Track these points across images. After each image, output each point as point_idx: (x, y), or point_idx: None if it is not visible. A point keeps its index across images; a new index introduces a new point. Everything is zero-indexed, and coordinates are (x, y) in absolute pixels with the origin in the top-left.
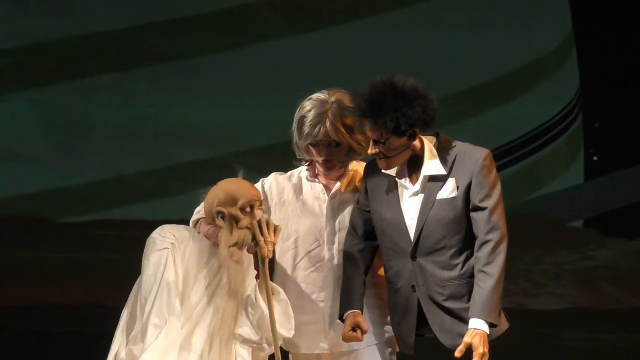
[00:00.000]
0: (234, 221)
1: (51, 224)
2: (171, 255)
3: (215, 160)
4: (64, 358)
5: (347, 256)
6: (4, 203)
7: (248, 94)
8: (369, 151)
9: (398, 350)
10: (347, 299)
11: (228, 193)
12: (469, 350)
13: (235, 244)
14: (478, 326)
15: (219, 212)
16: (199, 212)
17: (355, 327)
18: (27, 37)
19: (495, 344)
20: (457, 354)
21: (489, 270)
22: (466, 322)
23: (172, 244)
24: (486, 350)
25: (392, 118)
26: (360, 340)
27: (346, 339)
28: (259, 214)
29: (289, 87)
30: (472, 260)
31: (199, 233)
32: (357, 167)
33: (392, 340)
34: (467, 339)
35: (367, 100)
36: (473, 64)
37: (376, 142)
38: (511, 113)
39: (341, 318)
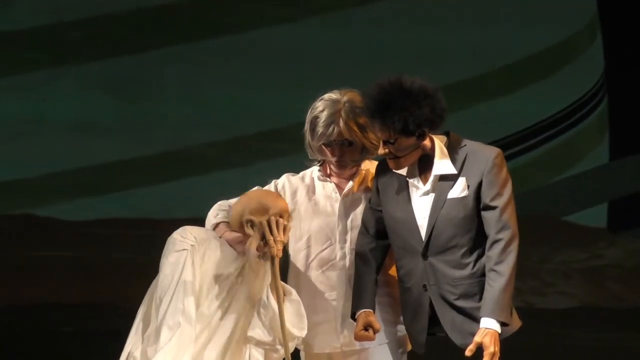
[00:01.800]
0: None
1: (59, 222)
2: (190, 256)
3: (275, 132)
4: (73, 357)
5: (359, 255)
6: (75, 174)
7: (312, 69)
8: (379, 151)
9: (410, 349)
10: (359, 298)
11: (260, 202)
12: (480, 349)
13: (257, 249)
14: (489, 325)
15: (248, 221)
16: (217, 215)
17: (367, 326)
18: (95, 9)
19: (504, 342)
20: (468, 352)
21: (500, 269)
22: (477, 321)
23: (191, 245)
24: (497, 349)
25: (400, 118)
26: (371, 339)
27: (358, 338)
28: (282, 220)
29: (349, 62)
30: (483, 259)
31: (220, 237)
32: (369, 166)
33: (404, 339)
34: (477, 338)
35: (375, 100)
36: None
37: (385, 142)
38: (542, 94)
39: (353, 317)
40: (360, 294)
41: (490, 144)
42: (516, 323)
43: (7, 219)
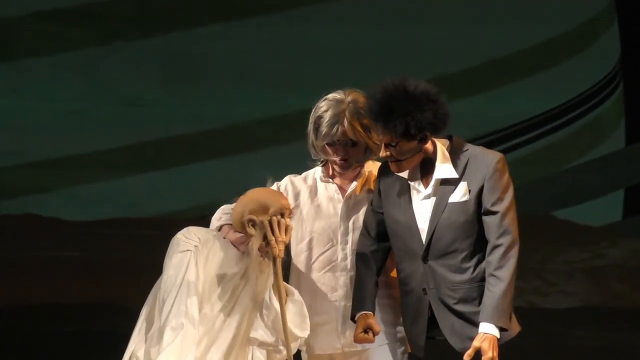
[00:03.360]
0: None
1: (60, 222)
2: (193, 257)
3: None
4: (74, 357)
5: (360, 257)
6: (124, 150)
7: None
8: (380, 154)
9: (410, 351)
10: (359, 300)
11: (260, 202)
12: (478, 354)
13: (259, 249)
14: (488, 330)
15: (250, 220)
16: (220, 218)
17: (367, 329)
18: None
19: (506, 342)
20: (466, 357)
21: (500, 274)
22: (476, 325)
23: (195, 246)
24: (495, 354)
25: (402, 122)
26: (371, 341)
27: (357, 340)
28: (283, 220)
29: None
30: (483, 264)
31: (224, 238)
32: (372, 167)
33: (404, 340)
34: (476, 343)
35: (379, 103)
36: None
37: (387, 145)
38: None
39: (353, 319)
40: (360, 296)
41: (502, 130)
42: (515, 328)
43: (8, 219)
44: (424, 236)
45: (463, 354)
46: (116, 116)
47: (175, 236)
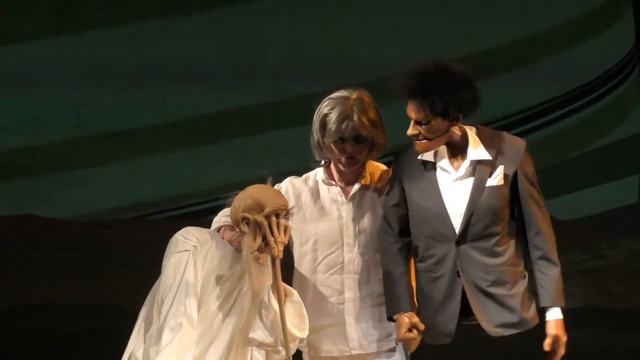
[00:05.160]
0: (258, 228)
1: (60, 222)
2: (192, 257)
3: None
4: (74, 357)
5: (388, 255)
6: (176, 124)
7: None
8: (408, 132)
9: (412, 350)
10: (397, 300)
11: (255, 199)
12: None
13: (258, 249)
14: (556, 315)
15: (244, 218)
16: (220, 220)
17: (412, 328)
18: None
19: (506, 343)
20: (547, 347)
21: (552, 257)
22: (508, 309)
23: (194, 246)
24: (566, 337)
25: (442, 100)
26: (414, 338)
27: (402, 339)
28: (282, 221)
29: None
30: (513, 248)
31: (222, 238)
32: (374, 169)
33: (407, 343)
34: (552, 331)
35: (417, 79)
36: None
37: (417, 123)
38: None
39: (390, 319)
40: (396, 295)
41: (526, 110)
42: (535, 318)
43: (9, 219)
44: (455, 220)
45: (474, 339)
46: (171, 89)
47: (173, 236)
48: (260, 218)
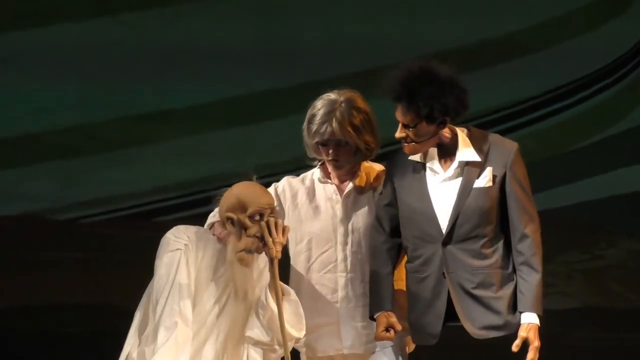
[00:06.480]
0: (242, 228)
1: (59, 222)
2: (184, 256)
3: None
4: (73, 357)
5: (375, 254)
6: (214, 105)
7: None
8: (396, 134)
9: (410, 351)
10: (378, 299)
11: (239, 199)
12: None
13: (243, 250)
14: (531, 320)
15: (228, 218)
16: (214, 216)
17: (389, 327)
18: None
19: (506, 343)
20: (515, 348)
21: (533, 263)
22: (493, 312)
23: (185, 244)
24: (539, 343)
25: (427, 104)
26: (392, 339)
27: (378, 338)
28: (280, 221)
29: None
30: (501, 251)
31: (213, 235)
32: (369, 168)
33: (405, 343)
34: (522, 333)
35: (403, 83)
36: None
37: (405, 126)
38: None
39: (372, 317)
40: (378, 294)
41: (525, 101)
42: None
43: (7, 219)
44: (442, 220)
45: (475, 340)
46: (209, 69)
47: (164, 236)
48: (243, 218)
